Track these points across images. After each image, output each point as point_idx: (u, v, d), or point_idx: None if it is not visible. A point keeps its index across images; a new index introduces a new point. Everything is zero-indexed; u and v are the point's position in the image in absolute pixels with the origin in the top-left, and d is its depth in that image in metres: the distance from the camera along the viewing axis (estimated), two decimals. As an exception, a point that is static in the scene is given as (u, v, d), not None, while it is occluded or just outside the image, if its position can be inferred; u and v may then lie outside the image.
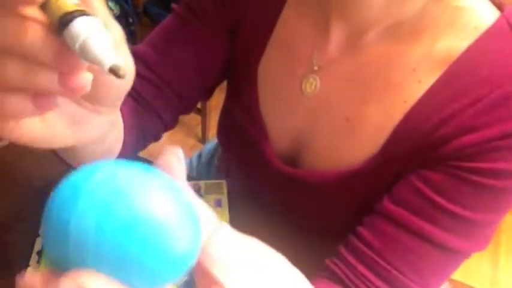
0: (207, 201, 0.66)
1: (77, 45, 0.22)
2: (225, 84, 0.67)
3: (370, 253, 0.49)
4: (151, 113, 0.59)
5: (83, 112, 0.32)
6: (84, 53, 0.23)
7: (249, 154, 0.63)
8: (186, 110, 0.64)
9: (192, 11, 0.58)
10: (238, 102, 0.63)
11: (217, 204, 0.64)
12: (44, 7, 0.24)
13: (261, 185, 0.65)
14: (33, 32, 0.23)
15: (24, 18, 0.24)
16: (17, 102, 0.26)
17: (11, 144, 0.78)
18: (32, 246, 0.60)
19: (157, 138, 0.63)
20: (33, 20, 0.24)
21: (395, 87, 0.49)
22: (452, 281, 1.60)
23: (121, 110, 0.47)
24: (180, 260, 0.21)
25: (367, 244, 0.50)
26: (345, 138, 0.53)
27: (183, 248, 0.20)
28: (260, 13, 0.57)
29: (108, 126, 0.37)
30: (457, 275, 1.66)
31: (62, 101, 0.30)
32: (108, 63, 0.22)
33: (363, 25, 0.49)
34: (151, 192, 0.20)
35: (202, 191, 0.66)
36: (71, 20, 0.23)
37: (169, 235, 0.20)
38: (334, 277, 0.51)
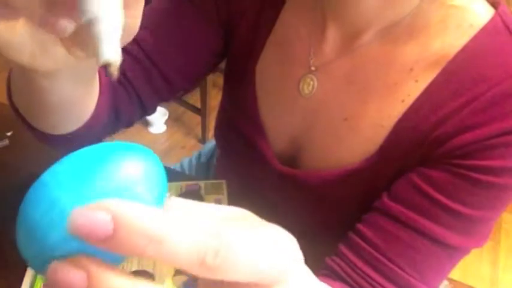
0: (207, 201, 0.66)
1: (84, 18, 0.22)
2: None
3: (369, 249, 0.49)
4: (131, 96, 0.58)
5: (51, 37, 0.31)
6: (87, 28, 0.22)
7: (247, 154, 0.63)
8: (169, 97, 0.63)
9: None
10: (236, 103, 0.63)
11: (217, 204, 0.64)
12: None
13: (260, 185, 0.65)
14: None
15: None
16: None
17: (11, 144, 0.78)
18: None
19: (130, 123, 0.61)
20: None
21: (392, 86, 0.49)
22: (451, 280, 1.61)
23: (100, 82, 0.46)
24: None
25: (366, 240, 0.50)
26: (343, 138, 0.53)
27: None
28: (258, 14, 0.57)
29: (75, 71, 0.36)
30: (457, 274, 1.67)
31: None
32: (103, 58, 0.22)
33: (359, 26, 0.50)
34: (111, 167, 0.20)
35: (202, 191, 0.66)
36: None
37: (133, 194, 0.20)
38: (334, 275, 0.51)
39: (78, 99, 0.43)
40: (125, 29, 0.24)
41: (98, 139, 0.55)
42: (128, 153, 0.21)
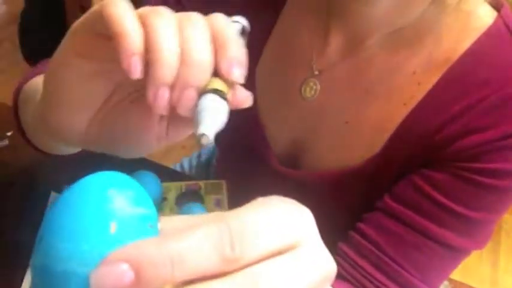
0: (207, 201, 0.66)
1: (196, 108, 0.29)
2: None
3: (371, 247, 0.49)
4: None
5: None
6: (195, 112, 0.28)
7: (246, 155, 0.63)
8: None
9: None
10: None
11: (217, 204, 0.64)
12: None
13: (260, 185, 0.65)
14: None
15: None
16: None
17: (11, 144, 0.78)
18: (32, 246, 0.60)
19: None
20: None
21: (395, 90, 0.49)
22: (452, 280, 1.60)
23: None
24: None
25: (368, 239, 0.50)
26: (344, 141, 0.53)
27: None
28: (256, 15, 0.57)
29: None
30: (457, 274, 1.66)
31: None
32: (200, 130, 0.27)
33: (364, 31, 0.50)
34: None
35: (202, 191, 0.66)
36: (206, 92, 0.30)
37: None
38: None
39: None
40: None
41: None
42: (107, 193, 0.20)
